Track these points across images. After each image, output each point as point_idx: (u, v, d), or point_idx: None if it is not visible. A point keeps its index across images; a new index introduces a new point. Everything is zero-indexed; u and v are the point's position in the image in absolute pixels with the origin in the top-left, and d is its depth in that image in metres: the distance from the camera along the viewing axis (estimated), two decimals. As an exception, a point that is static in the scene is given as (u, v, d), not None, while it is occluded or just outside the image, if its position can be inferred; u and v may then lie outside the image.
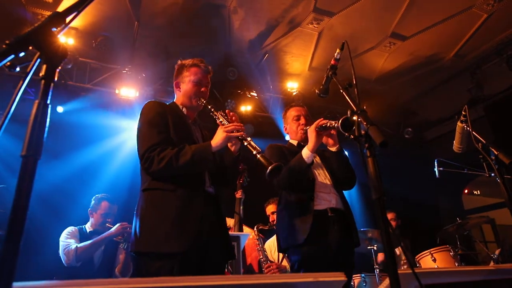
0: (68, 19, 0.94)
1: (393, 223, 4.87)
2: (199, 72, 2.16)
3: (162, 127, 1.95)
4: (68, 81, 5.06)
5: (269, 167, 1.80)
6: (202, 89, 2.15)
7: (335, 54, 1.66)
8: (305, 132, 2.57)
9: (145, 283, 0.81)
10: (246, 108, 6.03)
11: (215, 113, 2.08)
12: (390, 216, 4.90)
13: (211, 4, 4.42)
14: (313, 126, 2.38)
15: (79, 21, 4.55)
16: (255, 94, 6.06)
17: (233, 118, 2.04)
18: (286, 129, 2.86)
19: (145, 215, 1.85)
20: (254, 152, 1.87)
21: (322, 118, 2.42)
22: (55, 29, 0.90)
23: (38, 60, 0.87)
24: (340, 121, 2.16)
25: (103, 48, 4.83)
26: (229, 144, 2.03)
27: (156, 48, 5.05)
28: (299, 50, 5.33)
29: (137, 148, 1.96)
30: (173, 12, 4.51)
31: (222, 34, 4.94)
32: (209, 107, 2.09)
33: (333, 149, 2.53)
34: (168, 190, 1.87)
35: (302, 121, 2.70)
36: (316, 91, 1.90)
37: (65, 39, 4.56)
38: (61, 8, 0.94)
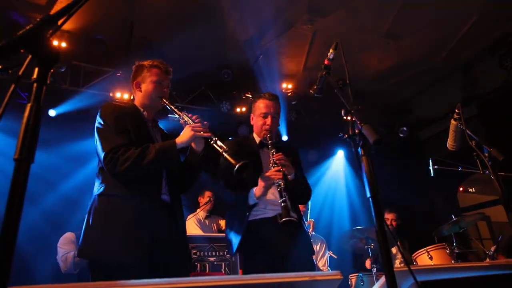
0: (60, 22, 0.93)
1: (393, 223, 4.89)
2: (160, 73, 2.17)
3: (120, 130, 1.96)
4: (62, 84, 5.04)
5: (236, 165, 1.86)
6: (164, 89, 2.17)
7: (329, 54, 1.67)
8: (269, 132, 2.52)
9: (140, 285, 0.81)
10: (241, 109, 6.03)
11: (179, 112, 2.11)
12: (391, 216, 4.92)
13: (206, 6, 4.42)
14: (265, 183, 2.28)
15: (72, 24, 4.53)
16: (250, 96, 6.06)
17: (197, 120, 2.07)
18: (252, 119, 2.71)
19: (97, 222, 1.84)
20: (221, 151, 1.93)
21: (277, 176, 2.27)
22: (47, 31, 0.90)
23: (30, 63, 0.86)
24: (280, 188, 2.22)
25: (97, 51, 4.82)
26: (192, 144, 2.08)
27: (150, 51, 5.03)
28: (293, 51, 5.35)
29: (97, 150, 1.96)
30: (167, 14, 4.51)
31: (217, 35, 4.94)
32: (172, 107, 2.11)
33: (289, 177, 2.41)
34: (124, 197, 1.88)
35: (268, 121, 2.55)
36: (311, 91, 1.90)
37: (58, 42, 4.53)
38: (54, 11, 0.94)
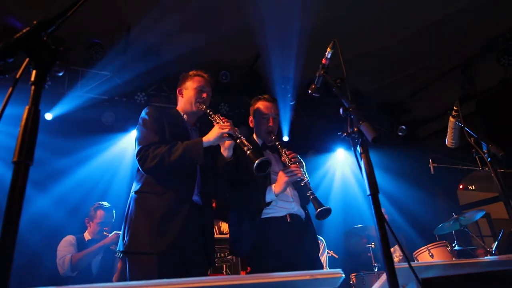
0: (57, 24, 0.93)
1: None
2: (202, 80, 2.34)
3: (156, 130, 2.07)
4: (60, 88, 5.03)
5: (256, 161, 1.91)
6: (203, 95, 2.30)
7: (326, 53, 1.67)
8: (272, 133, 2.54)
9: (135, 286, 0.80)
10: (239, 111, 6.03)
11: (213, 116, 2.21)
12: None
13: (203, 7, 4.42)
14: (289, 178, 2.29)
15: (69, 28, 4.52)
16: (248, 97, 6.06)
17: (224, 120, 2.17)
18: (251, 121, 2.71)
19: (133, 217, 1.96)
20: (245, 149, 2.00)
21: (299, 172, 2.32)
22: (44, 34, 0.90)
23: (28, 66, 0.86)
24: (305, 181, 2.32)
25: (95, 54, 4.81)
26: (222, 149, 2.15)
27: (148, 53, 5.03)
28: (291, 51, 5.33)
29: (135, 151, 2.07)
30: (164, 17, 4.51)
31: (214, 37, 4.94)
32: (208, 111, 2.23)
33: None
34: (158, 194, 1.98)
35: (270, 123, 2.58)
36: (309, 90, 1.90)
37: (56, 46, 4.52)
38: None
